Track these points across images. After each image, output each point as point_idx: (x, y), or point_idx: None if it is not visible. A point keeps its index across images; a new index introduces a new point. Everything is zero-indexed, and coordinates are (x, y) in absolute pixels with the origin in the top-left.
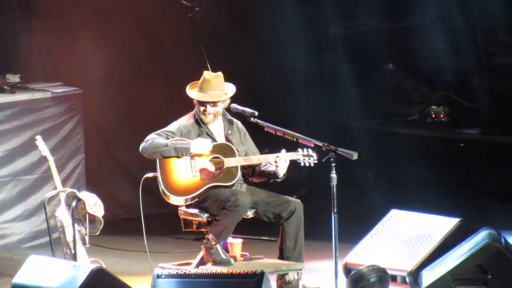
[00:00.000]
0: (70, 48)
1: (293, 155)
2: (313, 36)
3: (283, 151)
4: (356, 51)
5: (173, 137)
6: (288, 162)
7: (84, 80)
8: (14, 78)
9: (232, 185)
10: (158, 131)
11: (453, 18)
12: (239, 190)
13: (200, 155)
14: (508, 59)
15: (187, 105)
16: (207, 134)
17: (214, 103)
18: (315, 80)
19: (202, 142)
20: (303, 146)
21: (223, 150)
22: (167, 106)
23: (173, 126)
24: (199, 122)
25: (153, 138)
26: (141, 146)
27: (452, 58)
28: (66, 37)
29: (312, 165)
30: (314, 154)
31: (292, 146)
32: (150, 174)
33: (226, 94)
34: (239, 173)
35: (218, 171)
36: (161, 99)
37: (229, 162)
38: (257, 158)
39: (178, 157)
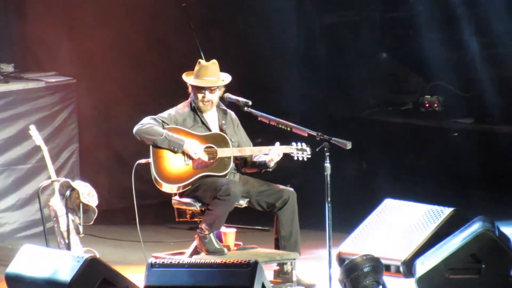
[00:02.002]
0: (64, 38)
1: (286, 149)
2: (307, 25)
3: (277, 144)
4: (350, 41)
5: (168, 125)
6: (281, 155)
7: (78, 69)
8: (8, 68)
9: (225, 175)
10: (155, 116)
11: (448, 7)
12: (231, 179)
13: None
14: (502, 48)
15: (182, 94)
16: (202, 122)
17: (211, 90)
18: (309, 70)
19: (196, 145)
20: (297, 140)
21: (217, 140)
22: (162, 96)
23: (169, 114)
24: (195, 110)
25: (150, 124)
26: (136, 128)
27: (446, 48)
28: (60, 27)
29: (305, 159)
30: (308, 149)
31: (286, 138)
32: (143, 160)
33: (223, 80)
34: (232, 164)
35: (211, 161)
36: (155, 89)
37: (222, 152)
38: (250, 150)
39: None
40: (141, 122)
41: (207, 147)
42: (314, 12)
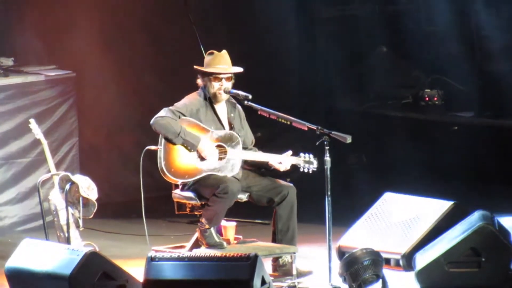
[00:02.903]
0: (64, 32)
1: (294, 160)
2: (306, 19)
3: (289, 152)
4: (349, 34)
5: (185, 116)
6: (288, 167)
7: (77, 63)
8: (8, 62)
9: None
10: (172, 109)
11: (446, 1)
12: (229, 177)
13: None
14: (501, 42)
15: (181, 86)
16: (214, 113)
17: (228, 78)
18: (308, 64)
19: (209, 147)
20: (305, 151)
21: (229, 140)
22: (161, 89)
23: (185, 104)
24: (208, 100)
25: (169, 122)
26: (154, 120)
27: (446, 41)
28: (60, 21)
29: (310, 172)
30: (315, 162)
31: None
32: (153, 147)
33: (239, 68)
34: (239, 166)
35: (219, 161)
36: (155, 82)
37: (232, 153)
38: (260, 156)
39: None
40: (159, 114)
41: (217, 146)
42: (313, 5)
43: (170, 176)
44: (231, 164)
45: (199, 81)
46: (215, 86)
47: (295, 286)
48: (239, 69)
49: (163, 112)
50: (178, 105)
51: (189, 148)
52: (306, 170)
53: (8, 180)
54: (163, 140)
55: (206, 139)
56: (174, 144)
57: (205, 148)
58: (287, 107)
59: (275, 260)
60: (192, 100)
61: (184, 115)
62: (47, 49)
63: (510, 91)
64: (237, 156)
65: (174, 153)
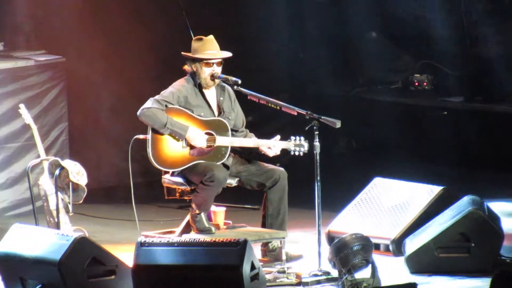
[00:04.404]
0: (54, 16)
1: (284, 144)
2: (296, 4)
3: (278, 137)
4: (339, 19)
5: (172, 104)
6: (278, 152)
7: (67, 48)
8: None
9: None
10: (158, 98)
11: None
12: (217, 164)
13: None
14: (491, 27)
15: (171, 72)
16: (204, 99)
17: (218, 63)
18: (298, 49)
19: (198, 134)
20: (296, 134)
21: (218, 126)
22: (150, 74)
23: (171, 92)
24: (197, 86)
25: (155, 112)
26: (140, 111)
27: (435, 26)
28: (49, 6)
29: (301, 154)
30: (306, 144)
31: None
32: (141, 136)
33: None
34: (228, 153)
35: (208, 148)
36: (144, 67)
37: (221, 141)
38: (249, 142)
39: None
40: (145, 105)
41: (206, 133)
42: None
43: (159, 166)
44: (220, 152)
45: (187, 67)
46: (206, 71)
47: (285, 271)
48: (229, 54)
49: (149, 103)
50: (165, 94)
51: (177, 137)
52: (297, 154)
53: None
54: (151, 129)
55: (194, 127)
56: (162, 134)
57: (194, 136)
58: (276, 91)
59: (265, 245)
60: (178, 87)
61: (172, 104)
62: (36, 34)
63: (499, 76)
64: (226, 143)
65: (162, 142)
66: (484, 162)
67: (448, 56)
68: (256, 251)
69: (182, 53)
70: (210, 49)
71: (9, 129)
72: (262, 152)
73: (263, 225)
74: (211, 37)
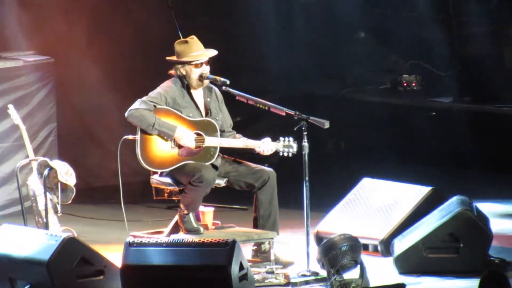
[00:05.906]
0: (42, 17)
1: (273, 145)
2: (285, 4)
3: (267, 139)
4: (328, 19)
5: (160, 105)
6: (270, 150)
7: (56, 48)
8: None
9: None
10: (146, 99)
11: None
12: (205, 165)
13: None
14: (480, 27)
15: (159, 73)
16: (192, 100)
17: (207, 62)
18: (287, 49)
19: (186, 134)
20: (284, 135)
21: (206, 127)
22: (139, 74)
23: (159, 93)
24: (186, 88)
25: (143, 114)
26: (128, 113)
27: (424, 27)
28: (37, 6)
29: (290, 155)
30: (295, 145)
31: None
32: (130, 136)
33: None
34: (217, 154)
35: (197, 149)
36: (133, 68)
37: (210, 141)
38: (238, 142)
39: None
40: (133, 107)
41: (195, 133)
42: None
43: (147, 166)
44: (209, 152)
45: (173, 72)
46: (196, 72)
47: (274, 271)
48: (215, 52)
49: (137, 104)
50: (152, 94)
51: (166, 138)
52: (285, 155)
53: None
54: (139, 130)
55: (183, 127)
56: (151, 134)
57: (182, 135)
58: (265, 92)
59: (258, 246)
60: (166, 88)
61: (159, 104)
62: (25, 35)
63: (489, 76)
64: (215, 144)
65: (151, 143)
66: (473, 162)
67: (436, 56)
68: (245, 251)
69: (167, 58)
70: (196, 50)
71: None
72: (256, 152)
73: (255, 227)
74: (194, 38)
